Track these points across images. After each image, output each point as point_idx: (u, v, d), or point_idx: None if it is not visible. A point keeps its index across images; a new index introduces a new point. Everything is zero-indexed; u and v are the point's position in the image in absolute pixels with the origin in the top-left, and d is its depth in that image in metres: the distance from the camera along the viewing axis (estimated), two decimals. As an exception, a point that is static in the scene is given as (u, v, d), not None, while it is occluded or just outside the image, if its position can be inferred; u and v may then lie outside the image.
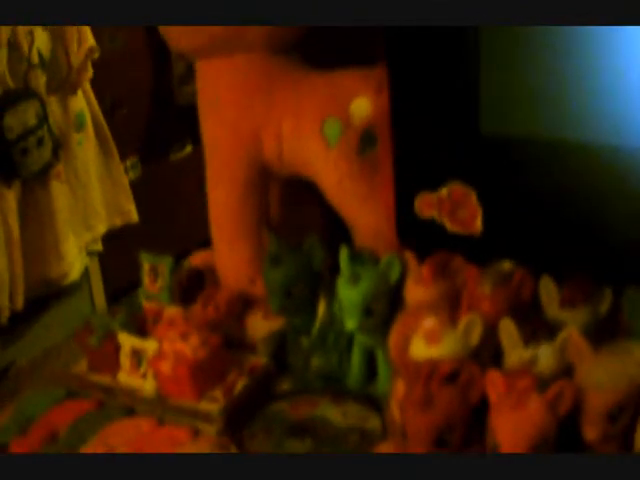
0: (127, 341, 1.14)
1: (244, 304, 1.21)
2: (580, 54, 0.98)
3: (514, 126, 1.04)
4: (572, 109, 1.01)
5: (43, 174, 2.15)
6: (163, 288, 1.22)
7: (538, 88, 1.02)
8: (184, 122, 2.55)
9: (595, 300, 1.02)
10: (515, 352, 0.98)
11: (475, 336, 0.99)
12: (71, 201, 2.25)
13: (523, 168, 1.04)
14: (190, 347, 1.10)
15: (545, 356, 0.96)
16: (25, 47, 2.06)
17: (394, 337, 1.00)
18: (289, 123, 1.13)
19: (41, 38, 2.09)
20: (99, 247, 2.35)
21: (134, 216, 2.36)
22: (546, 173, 1.03)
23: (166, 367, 1.11)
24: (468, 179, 1.05)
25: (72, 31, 2.13)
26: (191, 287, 1.24)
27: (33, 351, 2.25)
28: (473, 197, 1.05)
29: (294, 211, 1.26)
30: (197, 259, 1.27)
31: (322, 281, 1.14)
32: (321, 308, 1.14)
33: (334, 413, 1.09)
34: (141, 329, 1.20)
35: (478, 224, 1.06)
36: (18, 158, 2.07)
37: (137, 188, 2.38)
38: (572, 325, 0.98)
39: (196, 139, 2.55)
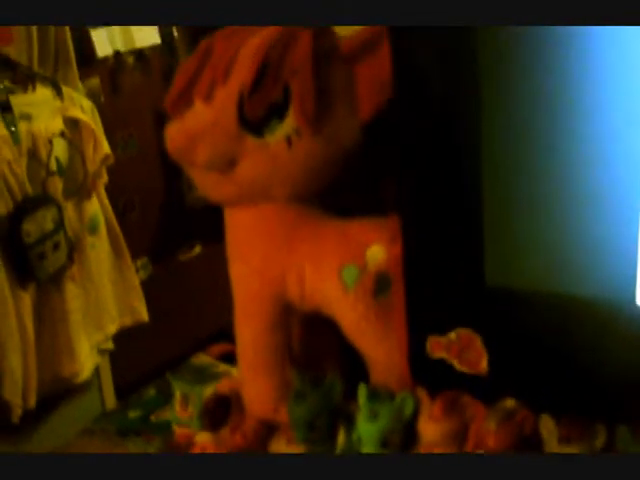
0: (163, 469, 1.31)
1: (268, 430, 1.38)
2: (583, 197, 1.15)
3: (517, 279, 1.23)
4: (572, 263, 1.20)
5: (58, 276, 2.32)
6: (194, 415, 1.39)
7: (540, 243, 1.21)
8: (193, 224, 2.75)
9: (590, 437, 1.20)
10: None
11: (483, 472, 1.16)
12: (84, 302, 2.42)
13: (524, 316, 1.22)
14: (222, 476, 1.27)
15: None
16: (44, 155, 2.25)
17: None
18: (310, 268, 1.32)
19: (59, 146, 2.28)
20: (110, 346, 2.51)
21: (144, 315, 2.53)
22: (546, 321, 1.21)
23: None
24: (474, 325, 1.24)
25: (89, 139, 2.32)
26: (219, 411, 1.41)
27: (43, 449, 2.40)
28: (479, 341, 1.23)
29: (315, 345, 1.44)
30: (224, 386, 1.44)
31: (342, 413, 1.32)
32: (341, 438, 1.31)
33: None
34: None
35: (484, 365, 1.24)
36: (35, 262, 2.24)
37: (147, 287, 2.56)
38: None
39: (204, 240, 2.76)
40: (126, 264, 2.51)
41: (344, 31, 1.37)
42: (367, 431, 1.24)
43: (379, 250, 1.30)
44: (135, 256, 2.54)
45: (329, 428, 1.31)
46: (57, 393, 2.43)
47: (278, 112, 1.29)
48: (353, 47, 1.33)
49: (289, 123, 1.28)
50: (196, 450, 1.34)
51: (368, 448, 1.25)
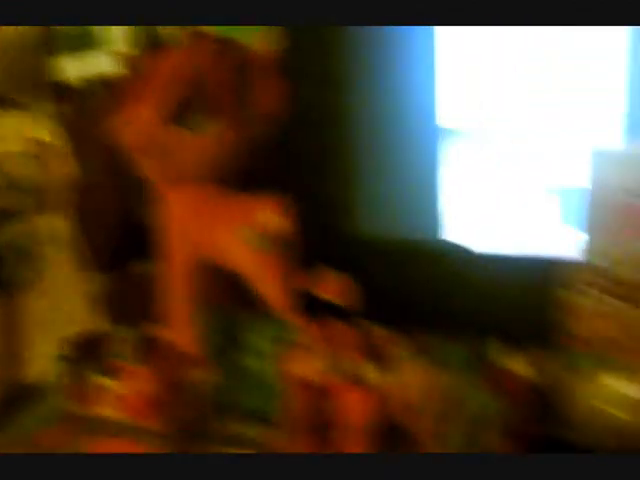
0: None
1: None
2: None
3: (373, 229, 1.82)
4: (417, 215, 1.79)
5: (20, 286, 2.83)
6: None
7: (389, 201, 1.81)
8: (149, 239, 3.27)
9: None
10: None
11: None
12: (45, 311, 2.92)
13: (379, 260, 1.81)
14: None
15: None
16: (12, 173, 2.79)
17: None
18: (221, 233, 1.91)
19: (27, 165, 2.82)
20: (69, 352, 3.00)
21: (101, 324, 3.03)
22: (395, 263, 1.80)
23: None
24: (346, 269, 1.82)
25: (55, 159, 2.87)
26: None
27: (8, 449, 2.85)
28: (346, 281, 1.82)
29: (225, 293, 2.02)
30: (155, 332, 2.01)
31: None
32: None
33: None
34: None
35: (349, 298, 1.82)
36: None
37: (104, 297, 3.07)
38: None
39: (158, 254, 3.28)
40: (85, 275, 3.02)
41: (256, 44, 1.99)
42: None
43: (274, 216, 1.89)
44: (93, 268, 3.05)
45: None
46: (19, 398, 2.89)
47: (200, 110, 1.89)
48: (259, 60, 1.95)
49: (208, 119, 1.89)
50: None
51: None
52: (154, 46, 3.01)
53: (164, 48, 2.01)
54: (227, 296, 2.03)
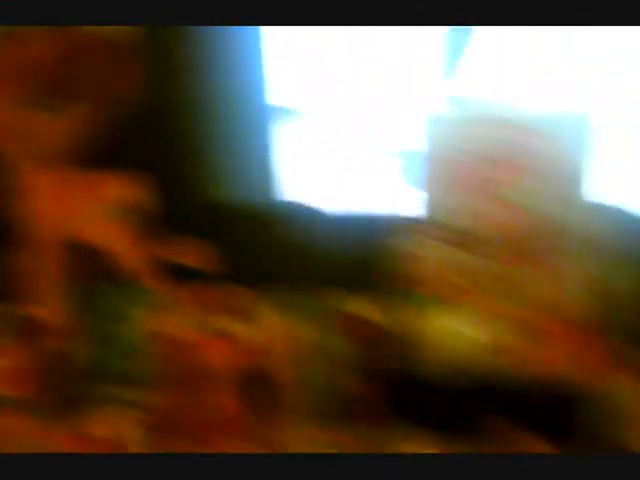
0: None
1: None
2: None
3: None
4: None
5: None
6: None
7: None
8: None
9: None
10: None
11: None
12: None
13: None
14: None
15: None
16: None
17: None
18: (80, 210, 2.03)
19: None
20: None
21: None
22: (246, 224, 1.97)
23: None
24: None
25: None
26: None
27: None
28: (203, 247, 1.96)
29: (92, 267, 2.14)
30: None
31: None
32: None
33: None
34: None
35: (208, 262, 1.97)
36: None
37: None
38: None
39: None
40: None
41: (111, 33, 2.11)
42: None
43: (128, 190, 2.01)
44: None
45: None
46: None
47: (57, 95, 2.01)
48: (114, 47, 2.07)
49: (65, 103, 2.00)
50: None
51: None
52: (8, 36, 3.09)
53: (18, 38, 2.10)
54: (92, 269, 2.15)
